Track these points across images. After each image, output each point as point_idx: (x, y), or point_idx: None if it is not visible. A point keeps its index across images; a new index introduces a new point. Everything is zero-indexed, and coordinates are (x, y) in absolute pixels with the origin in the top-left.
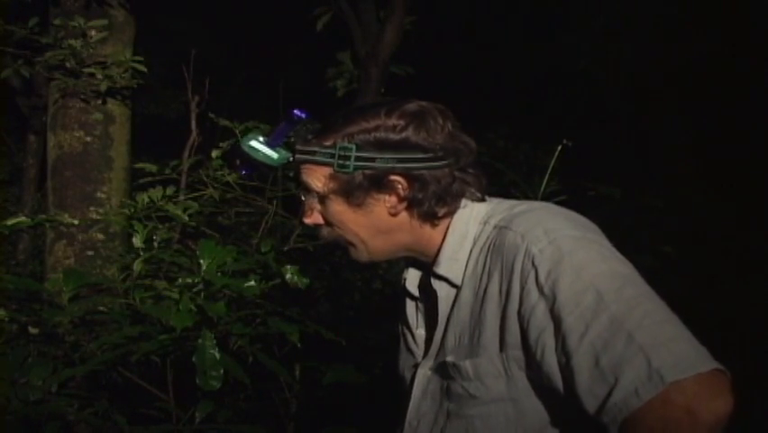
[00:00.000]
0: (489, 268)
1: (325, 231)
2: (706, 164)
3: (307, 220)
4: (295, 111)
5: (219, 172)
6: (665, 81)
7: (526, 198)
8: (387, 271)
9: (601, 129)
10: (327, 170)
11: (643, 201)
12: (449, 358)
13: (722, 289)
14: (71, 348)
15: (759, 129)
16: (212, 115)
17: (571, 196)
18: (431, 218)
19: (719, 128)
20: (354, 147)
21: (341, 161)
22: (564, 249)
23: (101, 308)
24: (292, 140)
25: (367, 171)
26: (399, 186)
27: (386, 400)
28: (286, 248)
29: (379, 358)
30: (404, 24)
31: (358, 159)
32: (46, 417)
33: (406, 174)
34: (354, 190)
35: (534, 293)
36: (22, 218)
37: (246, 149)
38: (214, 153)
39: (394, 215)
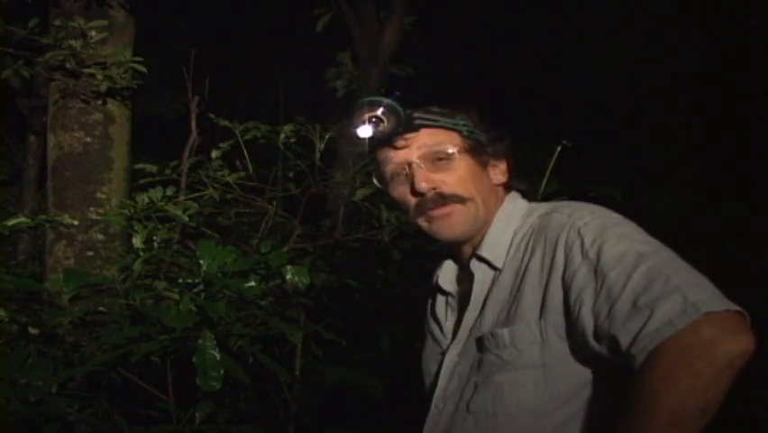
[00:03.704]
0: (532, 247)
1: (435, 193)
2: (706, 164)
3: (423, 182)
4: (396, 92)
5: (219, 173)
6: (665, 81)
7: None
8: (386, 272)
9: (601, 129)
10: (456, 134)
11: (643, 202)
12: (486, 331)
13: (722, 289)
14: (71, 349)
15: (759, 129)
16: (212, 116)
17: (571, 196)
18: (501, 197)
19: (720, 128)
20: (472, 123)
21: (468, 129)
22: (608, 223)
23: (101, 309)
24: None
25: (481, 141)
26: (506, 157)
27: (385, 401)
28: (286, 248)
29: (379, 358)
30: (404, 25)
31: (475, 131)
32: (46, 417)
33: (506, 150)
34: (482, 152)
35: (578, 258)
36: (23, 219)
37: (391, 103)
38: (214, 154)
39: (497, 184)
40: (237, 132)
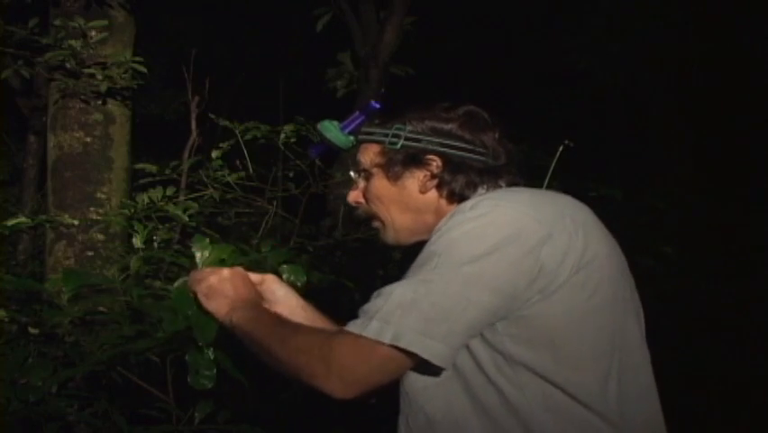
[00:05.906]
0: None
1: (362, 209)
2: (706, 164)
3: (349, 198)
4: (372, 102)
5: (219, 173)
6: (665, 81)
7: None
8: (387, 272)
9: (601, 129)
10: (378, 148)
11: (643, 201)
12: None
13: (722, 289)
14: (71, 348)
15: (758, 129)
16: (212, 116)
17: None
18: (457, 201)
19: (719, 128)
20: (407, 129)
21: (392, 139)
22: (466, 225)
23: (101, 309)
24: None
25: (410, 149)
26: (434, 163)
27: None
28: (286, 249)
29: None
30: (404, 25)
31: (407, 138)
32: (46, 417)
33: (442, 155)
34: (395, 164)
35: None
36: (23, 219)
37: (320, 128)
38: (214, 154)
39: (423, 192)
40: (237, 132)
